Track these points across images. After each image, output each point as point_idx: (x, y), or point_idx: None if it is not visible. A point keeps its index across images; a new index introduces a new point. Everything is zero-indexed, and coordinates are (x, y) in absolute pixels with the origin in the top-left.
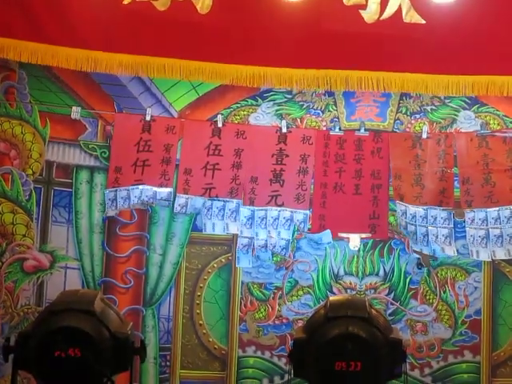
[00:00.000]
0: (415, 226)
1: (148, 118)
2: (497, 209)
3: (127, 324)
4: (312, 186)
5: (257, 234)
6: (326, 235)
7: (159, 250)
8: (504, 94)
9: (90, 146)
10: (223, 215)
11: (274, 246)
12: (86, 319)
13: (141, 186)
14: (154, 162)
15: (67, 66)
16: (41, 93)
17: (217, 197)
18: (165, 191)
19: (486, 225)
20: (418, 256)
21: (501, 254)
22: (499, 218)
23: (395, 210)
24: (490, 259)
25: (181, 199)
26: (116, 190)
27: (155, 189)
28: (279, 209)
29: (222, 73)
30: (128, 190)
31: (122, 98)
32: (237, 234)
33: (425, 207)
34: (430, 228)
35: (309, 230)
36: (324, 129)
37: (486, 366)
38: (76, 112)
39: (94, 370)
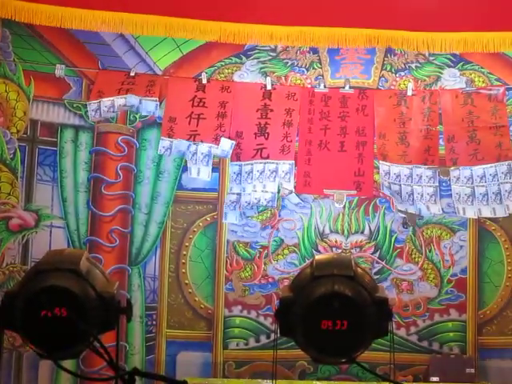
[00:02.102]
0: (400, 185)
1: (132, 74)
2: (482, 166)
3: (113, 283)
4: (297, 143)
5: (244, 190)
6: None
7: (144, 209)
8: (489, 50)
9: (74, 105)
10: (208, 161)
11: (259, 200)
12: (72, 279)
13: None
14: None
15: (50, 23)
16: (25, 51)
17: (202, 142)
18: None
19: (472, 183)
20: (403, 215)
21: (486, 212)
22: (484, 176)
23: (379, 169)
24: (476, 216)
25: (165, 142)
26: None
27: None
28: (264, 161)
29: (207, 30)
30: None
31: (106, 57)
32: (222, 192)
33: (410, 166)
34: (415, 187)
35: (294, 188)
36: (309, 86)
37: (472, 324)
38: (60, 70)
39: (80, 330)
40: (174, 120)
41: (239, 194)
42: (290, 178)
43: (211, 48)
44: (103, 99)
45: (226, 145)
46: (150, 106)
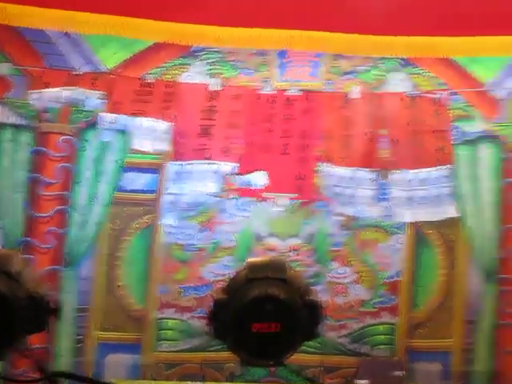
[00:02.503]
0: (341, 187)
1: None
2: (423, 170)
3: (44, 284)
4: (240, 146)
5: (182, 189)
6: (260, 176)
7: (82, 210)
8: (437, 55)
9: (15, 104)
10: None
11: (199, 201)
12: (2, 279)
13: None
14: None
15: None
16: None
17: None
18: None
19: (412, 186)
20: (341, 218)
21: (424, 216)
22: (424, 180)
23: (321, 172)
24: (413, 220)
25: (108, 116)
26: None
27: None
28: (206, 162)
29: (155, 30)
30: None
31: (52, 56)
32: (160, 194)
33: (352, 169)
34: (356, 189)
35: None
36: (255, 88)
37: (403, 327)
38: (3, 68)
39: (9, 330)
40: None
41: (178, 195)
42: (231, 179)
43: (159, 49)
44: (48, 89)
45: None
46: (94, 101)
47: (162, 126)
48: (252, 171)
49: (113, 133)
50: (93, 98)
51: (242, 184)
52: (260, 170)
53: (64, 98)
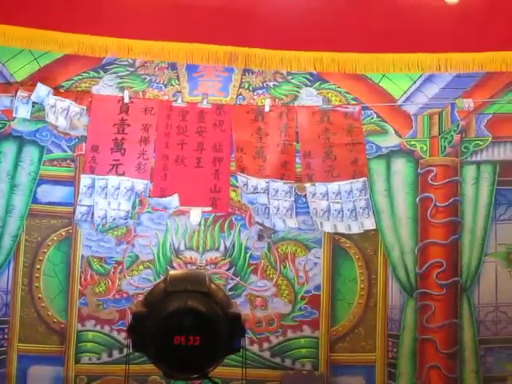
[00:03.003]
0: (257, 198)
1: None
2: (337, 183)
3: None
4: (153, 159)
5: (97, 204)
6: (174, 199)
7: None
8: (346, 71)
9: None
10: (65, 113)
11: (114, 219)
12: None
13: None
14: None
15: None
16: None
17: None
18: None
19: (327, 199)
20: (259, 227)
21: (342, 229)
22: (340, 193)
23: (237, 186)
24: (332, 231)
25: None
26: None
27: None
28: (120, 178)
29: (64, 42)
30: None
31: None
32: (75, 207)
33: (266, 180)
34: (271, 201)
35: (150, 195)
36: (166, 101)
37: (325, 341)
38: None
39: None
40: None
41: (90, 207)
42: (146, 196)
43: (69, 61)
44: None
45: (43, 91)
46: (5, 102)
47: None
48: (164, 192)
49: (26, 144)
50: (1, 99)
51: (155, 205)
52: (173, 193)
53: None
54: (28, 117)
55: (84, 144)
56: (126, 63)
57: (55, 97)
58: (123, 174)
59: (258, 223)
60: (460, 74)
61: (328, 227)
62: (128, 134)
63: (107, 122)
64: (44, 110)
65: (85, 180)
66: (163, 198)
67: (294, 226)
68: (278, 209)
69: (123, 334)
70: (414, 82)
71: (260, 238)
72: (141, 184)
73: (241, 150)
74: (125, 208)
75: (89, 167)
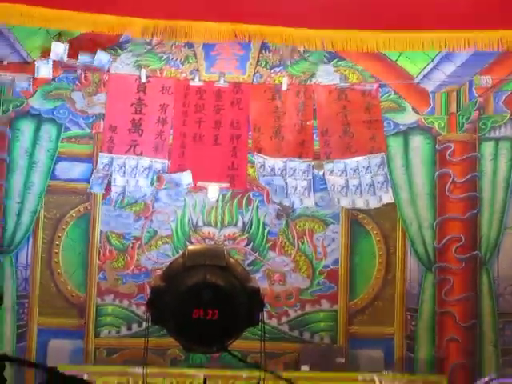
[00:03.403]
0: (274, 178)
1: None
2: (355, 159)
3: None
4: (171, 137)
5: (114, 180)
6: (185, 176)
7: (17, 198)
8: (363, 49)
9: None
10: None
11: (132, 195)
12: None
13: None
14: None
15: None
16: None
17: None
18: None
19: (346, 175)
20: (277, 207)
21: (360, 204)
22: (358, 169)
23: (254, 162)
24: (350, 207)
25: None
26: None
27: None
28: (138, 158)
29: (81, 21)
30: None
31: None
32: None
33: (284, 159)
34: (289, 180)
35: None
36: (183, 80)
37: (343, 314)
38: None
39: None
40: None
41: (106, 175)
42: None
43: (85, 40)
44: None
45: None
46: (23, 83)
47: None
48: (182, 169)
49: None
50: (20, 81)
51: (170, 181)
52: (187, 169)
53: None
54: (50, 76)
55: (102, 121)
56: (142, 41)
57: (73, 60)
58: (141, 154)
59: (276, 203)
60: (478, 52)
61: (345, 202)
62: (145, 115)
63: (124, 101)
64: (62, 88)
65: (103, 158)
66: (175, 174)
67: (311, 205)
68: (295, 188)
69: (142, 308)
70: (432, 60)
71: (278, 216)
72: (159, 163)
73: (258, 130)
74: (143, 185)
75: (107, 147)
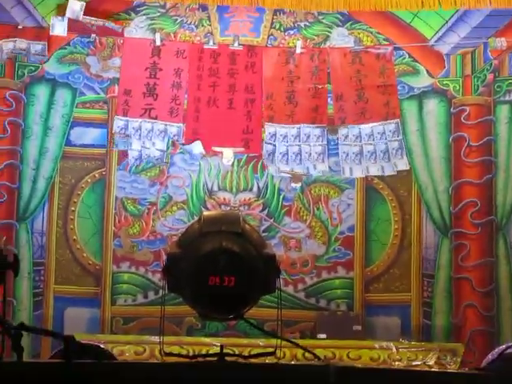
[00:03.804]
0: (286, 146)
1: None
2: (370, 125)
3: (0, 238)
4: (185, 101)
5: (131, 144)
6: (196, 146)
7: (32, 164)
8: (377, 9)
9: None
10: None
11: (149, 156)
12: None
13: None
14: None
15: None
16: None
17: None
18: (39, 44)
19: (360, 141)
20: (291, 174)
21: (374, 170)
22: (372, 135)
23: (267, 128)
24: (363, 175)
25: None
26: None
27: (29, 41)
28: (153, 121)
29: None
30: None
31: None
32: (110, 149)
33: (297, 125)
34: (302, 146)
35: (183, 144)
36: (198, 43)
37: (359, 281)
38: None
39: None
40: None
41: (126, 150)
42: (178, 140)
43: (99, 3)
44: None
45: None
46: (38, 49)
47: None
48: (196, 133)
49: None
50: (35, 47)
51: (183, 150)
52: (200, 135)
53: (7, 51)
54: (65, 34)
55: (116, 86)
56: (156, 5)
57: (88, 17)
58: (156, 118)
59: (285, 172)
60: (492, 13)
61: (358, 172)
62: (160, 79)
63: (139, 65)
64: (77, 52)
65: (118, 122)
66: (186, 146)
67: (325, 169)
68: (309, 154)
69: (158, 276)
70: (446, 22)
71: (293, 182)
72: (174, 127)
73: (270, 96)
74: (160, 147)
75: (122, 110)
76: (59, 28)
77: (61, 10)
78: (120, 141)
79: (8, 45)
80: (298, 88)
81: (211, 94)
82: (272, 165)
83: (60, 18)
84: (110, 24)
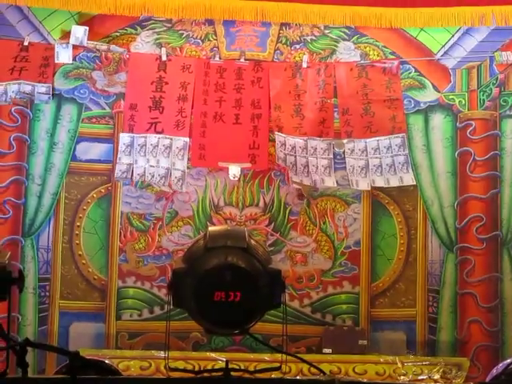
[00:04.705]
0: (295, 156)
1: (26, 43)
2: (376, 139)
3: (5, 254)
4: (192, 116)
5: (136, 162)
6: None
7: (38, 180)
8: (383, 25)
9: None
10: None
11: (153, 176)
12: None
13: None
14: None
15: None
16: None
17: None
18: (44, 86)
19: (366, 155)
20: (298, 187)
21: (380, 183)
22: (378, 148)
23: (274, 141)
24: (369, 188)
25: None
26: None
27: (34, 83)
28: (159, 136)
29: (101, 2)
30: (4, 85)
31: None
32: (115, 165)
33: (304, 138)
34: (310, 159)
35: (188, 160)
36: (204, 58)
37: (365, 296)
38: None
39: None
40: None
41: (129, 165)
42: (184, 155)
43: (106, 18)
44: None
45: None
46: (42, 91)
47: None
48: (204, 149)
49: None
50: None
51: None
52: (212, 150)
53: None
54: (70, 61)
55: (122, 101)
56: (162, 19)
57: (92, 42)
58: (162, 132)
59: (296, 183)
60: (498, 27)
61: (364, 185)
62: (166, 93)
63: (145, 80)
64: (83, 67)
65: (124, 139)
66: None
67: (333, 185)
68: (316, 167)
69: (164, 291)
70: (452, 36)
71: (299, 197)
72: (180, 141)
73: (278, 108)
74: (164, 165)
75: (127, 126)
76: (64, 56)
77: (65, 34)
78: (119, 172)
79: (12, 87)
80: (305, 101)
81: (217, 109)
82: (295, 176)
83: (64, 45)
84: (115, 48)
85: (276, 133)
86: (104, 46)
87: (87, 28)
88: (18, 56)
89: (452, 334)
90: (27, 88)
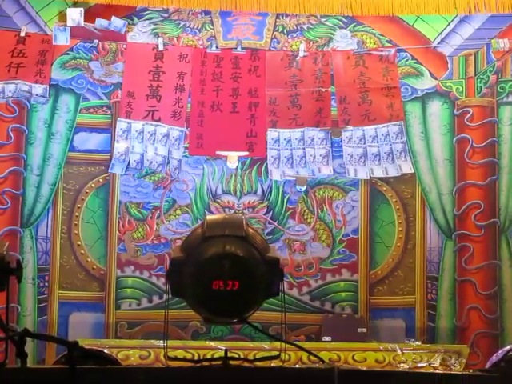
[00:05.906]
0: (291, 150)
1: (23, 34)
2: (374, 127)
3: (3, 244)
4: (189, 105)
5: (133, 147)
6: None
7: (36, 170)
8: (380, 13)
9: None
10: None
11: (151, 163)
12: None
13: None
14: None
15: None
16: None
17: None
18: (40, 87)
19: (364, 143)
20: (294, 178)
21: (378, 172)
22: (376, 136)
23: (271, 132)
24: (367, 177)
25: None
26: None
27: (31, 84)
28: (156, 124)
29: None
30: (2, 84)
31: None
32: (113, 149)
33: (301, 129)
34: (307, 149)
35: (185, 150)
36: (201, 47)
37: (364, 284)
38: None
39: None
40: None
41: (128, 148)
42: (180, 144)
43: (102, 9)
44: None
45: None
46: (39, 92)
47: None
48: (201, 138)
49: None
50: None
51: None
52: (209, 139)
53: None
54: (67, 43)
55: (119, 91)
56: (159, 9)
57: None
58: (159, 120)
59: (294, 173)
60: (495, 15)
61: (363, 174)
62: (163, 82)
63: (142, 69)
64: (80, 57)
65: (121, 124)
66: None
67: (330, 174)
68: (314, 157)
69: (162, 280)
70: (449, 24)
71: (297, 185)
72: (176, 131)
73: (274, 101)
74: (161, 153)
75: (125, 112)
76: (61, 38)
77: (62, 17)
78: (115, 163)
79: (9, 87)
80: (302, 91)
81: (215, 99)
82: (277, 169)
83: (62, 27)
84: (114, 22)
85: (269, 129)
86: (103, 22)
87: (82, 9)
88: (15, 50)
89: (451, 321)
90: (24, 88)
